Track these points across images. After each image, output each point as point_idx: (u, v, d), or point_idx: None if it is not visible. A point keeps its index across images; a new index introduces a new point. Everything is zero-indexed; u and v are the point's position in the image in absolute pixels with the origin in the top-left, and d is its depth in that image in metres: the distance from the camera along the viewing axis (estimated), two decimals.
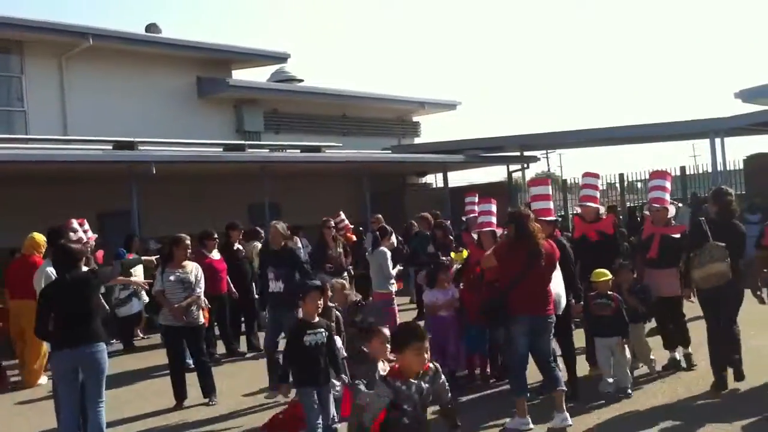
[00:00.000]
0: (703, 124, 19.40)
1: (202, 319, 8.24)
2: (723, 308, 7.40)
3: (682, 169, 24.02)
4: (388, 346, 5.16)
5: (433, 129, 64.58)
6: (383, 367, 5.19)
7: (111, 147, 15.32)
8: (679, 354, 8.33)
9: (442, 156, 22.00)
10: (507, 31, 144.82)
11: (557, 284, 6.97)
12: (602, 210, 8.95)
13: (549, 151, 37.87)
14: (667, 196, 8.39)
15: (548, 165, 49.10)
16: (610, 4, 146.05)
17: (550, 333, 6.81)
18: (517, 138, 22.91)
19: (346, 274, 11.20)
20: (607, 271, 7.69)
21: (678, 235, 8.11)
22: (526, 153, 24.28)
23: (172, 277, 7.99)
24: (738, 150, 44.83)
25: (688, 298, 8.01)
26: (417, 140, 26.35)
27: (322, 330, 6.13)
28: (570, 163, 49.76)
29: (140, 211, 14.90)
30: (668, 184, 8.41)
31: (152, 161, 14.73)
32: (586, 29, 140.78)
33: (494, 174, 26.43)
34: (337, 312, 7.38)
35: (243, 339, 11.32)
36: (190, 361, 8.44)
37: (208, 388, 8.13)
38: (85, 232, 10.13)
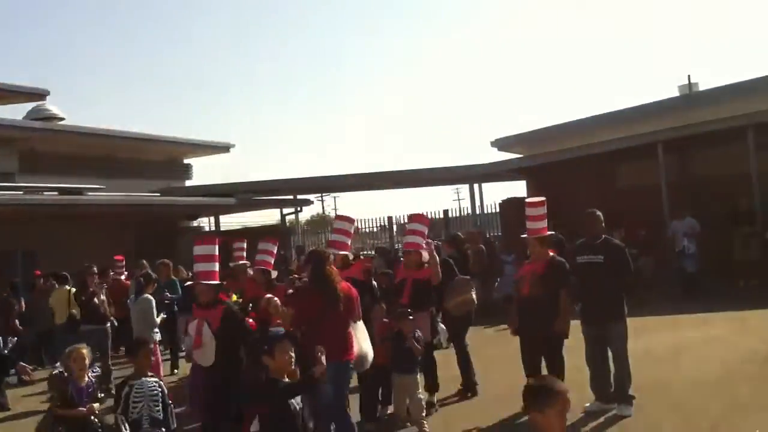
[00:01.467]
0: (462, 170, 20.74)
1: None
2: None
3: (445, 212, 25.38)
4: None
5: (207, 171, 64.01)
6: None
7: None
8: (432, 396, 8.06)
9: (214, 199, 21.70)
10: (282, 73, 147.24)
11: (363, 339, 6.56)
12: (351, 256, 8.47)
13: (324, 194, 38.63)
14: (421, 240, 8.27)
15: (323, 207, 50.02)
16: (386, 54, 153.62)
17: (348, 381, 6.38)
18: (289, 181, 23.26)
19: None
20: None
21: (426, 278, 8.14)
22: (299, 196, 24.61)
23: None
24: (499, 194, 48.13)
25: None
26: (189, 182, 25.78)
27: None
28: (346, 206, 50.89)
29: None
30: (425, 228, 8.38)
31: None
32: (360, 76, 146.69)
33: (269, 216, 26.47)
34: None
35: None
36: None
37: None
38: None
